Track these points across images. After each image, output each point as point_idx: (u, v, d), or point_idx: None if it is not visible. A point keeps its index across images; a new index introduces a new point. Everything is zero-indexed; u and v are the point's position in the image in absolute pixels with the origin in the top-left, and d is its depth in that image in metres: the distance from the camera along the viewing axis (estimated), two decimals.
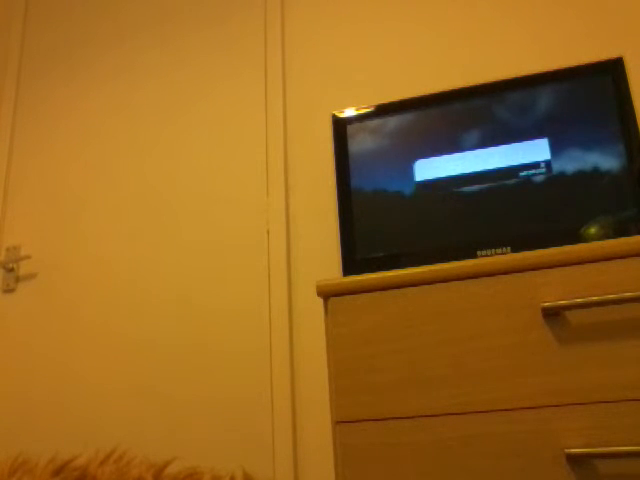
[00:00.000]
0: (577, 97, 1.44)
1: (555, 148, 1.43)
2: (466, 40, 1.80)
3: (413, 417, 0.99)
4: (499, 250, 1.39)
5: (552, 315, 0.98)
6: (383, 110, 1.60)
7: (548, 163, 1.42)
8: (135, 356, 1.84)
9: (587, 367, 0.95)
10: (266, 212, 1.85)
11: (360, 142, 1.59)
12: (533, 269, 1.01)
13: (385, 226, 1.50)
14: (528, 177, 1.43)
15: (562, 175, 1.41)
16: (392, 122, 1.58)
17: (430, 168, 1.51)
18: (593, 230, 1.24)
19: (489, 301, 1.01)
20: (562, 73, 1.47)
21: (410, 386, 1.01)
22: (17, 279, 2.06)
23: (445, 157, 1.51)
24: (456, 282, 1.04)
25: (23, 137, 2.24)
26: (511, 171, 1.45)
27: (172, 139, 2.04)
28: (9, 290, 2.05)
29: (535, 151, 1.44)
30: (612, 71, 1.42)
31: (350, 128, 1.61)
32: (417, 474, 0.97)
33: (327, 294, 1.09)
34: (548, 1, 1.76)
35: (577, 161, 1.40)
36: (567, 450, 0.91)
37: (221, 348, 1.77)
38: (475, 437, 0.96)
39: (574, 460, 0.92)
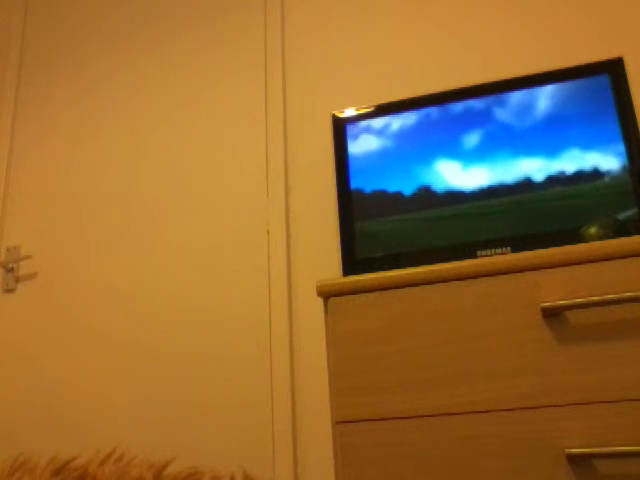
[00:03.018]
0: (577, 97, 1.44)
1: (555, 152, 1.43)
2: (466, 40, 1.80)
3: (413, 417, 0.99)
4: (499, 250, 1.39)
5: (552, 315, 0.98)
6: (383, 110, 1.60)
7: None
8: (135, 355, 1.84)
9: (587, 367, 0.95)
10: (266, 212, 1.85)
11: (360, 142, 1.59)
12: (533, 269, 1.01)
13: (385, 226, 1.50)
14: (528, 177, 1.43)
15: (562, 175, 1.41)
16: (392, 122, 1.58)
17: (430, 169, 1.51)
18: (593, 230, 1.24)
19: (489, 301, 1.01)
20: (562, 73, 1.47)
21: (410, 386, 1.01)
22: (17, 279, 2.06)
23: (445, 157, 1.51)
24: (456, 282, 1.04)
25: (23, 137, 2.24)
26: (512, 171, 1.45)
27: (172, 138, 2.04)
28: (9, 290, 2.05)
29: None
30: (612, 71, 1.42)
31: (350, 128, 1.61)
32: (417, 474, 0.97)
33: (327, 294, 1.09)
34: (548, 1, 1.76)
35: (577, 161, 1.40)
36: (567, 450, 0.91)
37: (221, 348, 1.77)
38: (475, 437, 0.96)
39: (574, 460, 0.92)
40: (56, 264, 2.03)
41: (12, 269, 2.07)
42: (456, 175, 1.49)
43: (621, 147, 1.37)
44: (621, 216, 1.32)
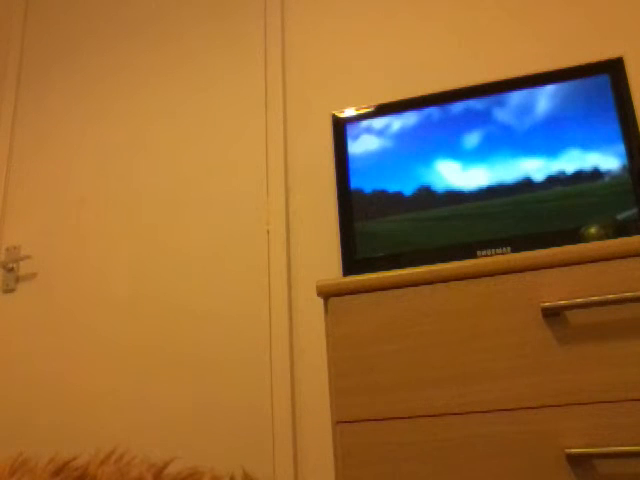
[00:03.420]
0: (577, 97, 1.44)
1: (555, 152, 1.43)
2: (466, 40, 1.80)
3: (413, 417, 0.99)
4: (499, 250, 1.39)
5: (552, 315, 0.98)
6: (383, 110, 1.60)
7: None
8: (135, 355, 1.84)
9: (587, 367, 0.95)
10: (266, 212, 1.85)
11: (360, 142, 1.59)
12: (533, 269, 1.01)
13: (385, 226, 1.50)
14: (528, 177, 1.43)
15: (562, 175, 1.41)
16: (392, 122, 1.58)
17: (430, 169, 1.51)
18: (593, 230, 1.24)
19: (489, 301, 1.01)
20: (562, 73, 1.47)
21: (410, 386, 1.01)
22: (17, 279, 2.06)
23: (445, 157, 1.51)
24: (456, 282, 1.04)
25: (23, 137, 2.24)
26: (512, 171, 1.45)
27: (172, 139, 2.04)
28: (9, 290, 2.05)
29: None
30: (612, 71, 1.42)
31: (350, 128, 1.61)
32: (417, 474, 0.97)
33: (327, 294, 1.09)
34: (548, 1, 1.76)
35: (577, 161, 1.40)
36: (567, 450, 0.91)
37: (221, 348, 1.77)
38: (475, 437, 0.96)
39: (574, 460, 0.92)
40: (56, 264, 2.03)
41: (12, 269, 2.07)
42: (456, 175, 1.49)
43: (621, 147, 1.37)
44: (621, 216, 1.32)
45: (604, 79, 1.43)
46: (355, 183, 1.55)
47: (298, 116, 1.92)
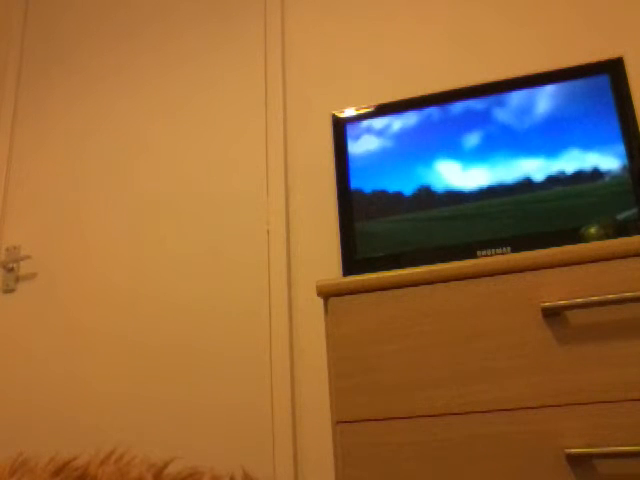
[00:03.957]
0: (577, 97, 1.44)
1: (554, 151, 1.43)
2: (466, 40, 1.80)
3: (413, 417, 0.99)
4: (499, 250, 1.39)
5: (552, 315, 0.98)
6: (383, 110, 1.59)
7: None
8: (135, 355, 1.84)
9: (587, 367, 0.95)
10: (266, 212, 1.85)
11: (360, 142, 1.59)
12: (533, 269, 1.01)
13: (385, 226, 1.50)
14: (528, 177, 1.43)
15: (562, 175, 1.41)
16: (392, 122, 1.58)
17: (431, 169, 1.51)
18: (593, 230, 1.24)
19: (489, 301, 1.01)
20: (562, 73, 1.47)
21: (410, 386, 1.01)
22: (17, 279, 2.06)
23: (445, 157, 1.51)
24: (456, 282, 1.04)
25: (23, 137, 2.24)
26: (512, 171, 1.45)
27: (172, 139, 2.04)
28: (9, 290, 2.05)
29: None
30: (612, 71, 1.42)
31: (350, 128, 1.61)
32: (417, 474, 0.97)
33: (327, 294, 1.09)
34: (548, 1, 1.76)
35: (577, 161, 1.40)
36: (567, 450, 0.91)
37: (221, 348, 1.77)
38: (475, 437, 0.96)
39: (574, 460, 0.92)
40: (56, 264, 2.03)
41: (12, 269, 2.07)
42: (456, 175, 1.49)
43: (621, 147, 1.37)
44: (621, 216, 1.32)
45: (604, 79, 1.43)
46: (355, 183, 1.55)
47: (298, 116, 1.92)
